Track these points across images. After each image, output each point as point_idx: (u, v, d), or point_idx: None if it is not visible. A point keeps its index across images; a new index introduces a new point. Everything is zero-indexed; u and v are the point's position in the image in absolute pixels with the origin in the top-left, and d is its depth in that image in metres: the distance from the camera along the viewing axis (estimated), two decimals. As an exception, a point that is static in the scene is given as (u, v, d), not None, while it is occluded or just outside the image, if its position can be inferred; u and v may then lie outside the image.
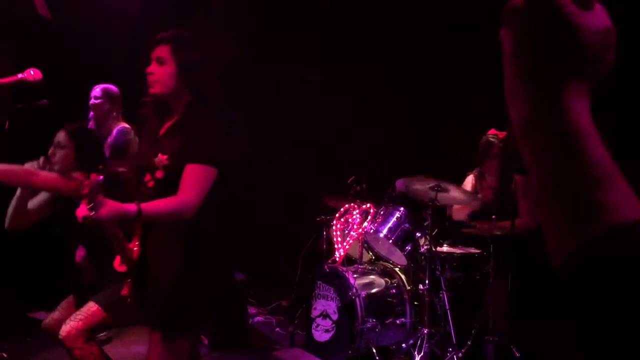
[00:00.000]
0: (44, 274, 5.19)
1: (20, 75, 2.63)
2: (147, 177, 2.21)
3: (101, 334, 4.12)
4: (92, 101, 4.15)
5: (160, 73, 2.22)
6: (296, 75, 5.85)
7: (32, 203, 2.73)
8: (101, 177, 1.90)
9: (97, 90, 4.16)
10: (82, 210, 1.92)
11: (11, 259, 5.16)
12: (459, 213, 4.21)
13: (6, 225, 2.69)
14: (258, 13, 6.03)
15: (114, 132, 4.12)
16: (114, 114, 4.18)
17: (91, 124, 4.22)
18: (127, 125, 4.17)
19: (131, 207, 2.01)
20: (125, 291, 2.29)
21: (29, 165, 2.71)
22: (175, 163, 2.16)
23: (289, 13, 5.85)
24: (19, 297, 4.95)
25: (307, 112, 5.83)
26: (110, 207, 1.95)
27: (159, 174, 2.18)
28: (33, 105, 3.12)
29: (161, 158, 2.17)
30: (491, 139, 4.04)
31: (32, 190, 2.61)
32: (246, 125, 5.22)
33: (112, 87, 4.22)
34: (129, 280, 2.27)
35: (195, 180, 2.13)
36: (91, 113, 4.18)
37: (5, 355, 3.76)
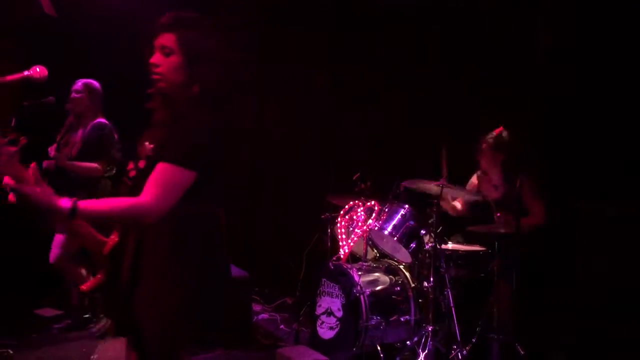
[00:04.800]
0: (50, 271, 5.21)
1: (26, 72, 2.64)
2: (130, 165, 2.03)
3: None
4: (73, 95, 4.19)
5: (165, 65, 1.99)
6: (300, 74, 5.85)
7: None
8: (13, 148, 1.71)
9: (78, 84, 4.20)
10: (8, 180, 1.73)
11: (16, 256, 5.19)
12: (454, 209, 4.24)
13: None
14: (262, 12, 6.03)
15: (89, 127, 4.16)
16: (93, 108, 4.21)
17: (70, 118, 4.24)
18: (103, 121, 4.20)
19: (64, 203, 1.73)
20: (85, 286, 2.06)
21: None
22: (156, 154, 1.95)
23: (294, 12, 5.84)
24: (25, 294, 4.98)
25: (312, 110, 5.83)
26: (36, 191, 1.70)
27: (141, 164, 1.98)
28: (39, 103, 3.13)
29: (147, 147, 2.00)
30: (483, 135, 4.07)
31: None
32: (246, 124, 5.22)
33: (94, 82, 4.25)
34: (98, 275, 2.05)
35: (160, 182, 1.85)
36: (70, 106, 4.21)
37: (11, 351, 3.77)
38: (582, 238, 4.29)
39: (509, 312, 3.72)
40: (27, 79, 2.60)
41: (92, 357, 3.78)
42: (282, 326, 4.73)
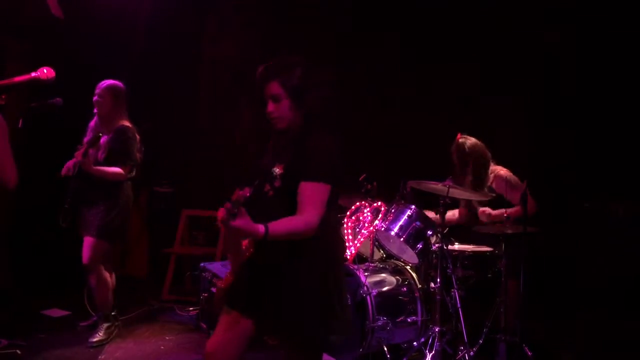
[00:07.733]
0: (57, 272, 5.24)
1: (33, 74, 2.65)
2: (267, 187, 2.35)
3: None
4: (96, 98, 4.11)
5: (279, 110, 2.33)
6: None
7: None
8: (248, 194, 2.01)
9: (101, 87, 4.12)
10: (222, 213, 2.04)
11: (24, 257, 5.21)
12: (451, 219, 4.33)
13: None
14: (269, 11, 6.03)
15: (112, 131, 4.08)
16: (118, 111, 4.14)
17: (94, 121, 4.19)
18: (127, 125, 4.14)
19: (260, 228, 2.10)
20: (222, 283, 2.40)
21: None
22: (289, 173, 2.29)
23: (301, 11, 5.84)
24: (33, 294, 5.00)
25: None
26: (244, 222, 2.05)
27: (277, 184, 2.32)
28: (46, 104, 3.14)
29: (278, 168, 2.33)
30: None
31: None
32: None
33: (117, 84, 4.16)
34: (228, 276, 2.39)
35: (313, 199, 2.23)
36: (95, 110, 4.15)
37: (19, 352, 3.79)
38: (588, 237, 4.28)
39: (516, 313, 3.71)
40: (35, 81, 2.61)
41: (99, 357, 3.79)
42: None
